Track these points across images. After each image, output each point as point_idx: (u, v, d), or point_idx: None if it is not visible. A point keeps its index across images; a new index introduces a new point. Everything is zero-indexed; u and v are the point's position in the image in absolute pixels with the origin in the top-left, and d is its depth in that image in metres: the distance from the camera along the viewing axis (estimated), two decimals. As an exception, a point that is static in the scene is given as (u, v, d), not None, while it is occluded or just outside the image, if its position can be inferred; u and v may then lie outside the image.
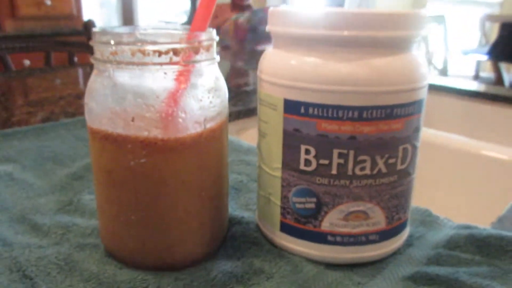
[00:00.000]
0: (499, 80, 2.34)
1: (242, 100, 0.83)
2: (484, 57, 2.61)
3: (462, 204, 0.63)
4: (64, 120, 0.61)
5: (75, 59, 1.37)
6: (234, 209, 0.39)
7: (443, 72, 2.93)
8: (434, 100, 0.98)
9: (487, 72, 3.15)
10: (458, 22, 3.42)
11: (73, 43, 1.34)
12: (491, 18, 3.08)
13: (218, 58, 0.31)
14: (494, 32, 2.90)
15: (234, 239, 0.34)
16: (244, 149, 0.54)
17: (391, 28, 0.28)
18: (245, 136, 0.76)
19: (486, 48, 2.51)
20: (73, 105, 0.74)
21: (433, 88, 0.97)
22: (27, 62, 1.84)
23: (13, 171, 0.45)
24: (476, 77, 2.83)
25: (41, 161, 0.48)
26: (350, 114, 0.28)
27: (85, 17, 2.11)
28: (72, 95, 0.82)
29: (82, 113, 0.70)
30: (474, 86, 1.00)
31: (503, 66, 2.40)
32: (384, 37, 0.28)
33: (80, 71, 1.09)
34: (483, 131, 0.90)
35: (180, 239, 0.30)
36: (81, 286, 0.28)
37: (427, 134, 0.73)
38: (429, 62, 3.03)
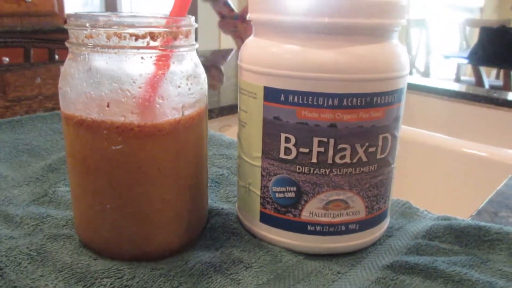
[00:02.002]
0: (479, 84, 2.39)
1: (225, 97, 0.83)
2: (465, 61, 2.66)
3: (443, 199, 0.64)
4: (41, 113, 0.59)
5: (56, 56, 1.34)
6: (214, 201, 0.39)
7: (425, 75, 2.98)
8: (417, 100, 0.99)
9: (468, 76, 3.21)
10: (440, 26, 3.48)
11: (54, 40, 1.32)
12: (471, 23, 3.15)
13: (197, 44, 0.30)
14: (474, 37, 2.96)
15: (213, 230, 0.34)
16: (226, 143, 0.53)
17: (372, 16, 0.28)
18: (228, 133, 0.76)
19: (467, 52, 2.55)
20: (52, 100, 0.73)
21: (416, 88, 0.98)
22: (6, 60, 1.80)
23: (-14, 163, 0.43)
24: (457, 80, 2.88)
25: (16, 153, 0.47)
26: (330, 102, 0.28)
27: (67, 14, 2.08)
28: (51, 91, 0.80)
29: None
30: (455, 86, 1.02)
31: (483, 70, 2.45)
32: (365, 25, 0.28)
33: (60, 68, 1.07)
34: (463, 130, 0.91)
35: (157, 228, 0.29)
36: (53, 277, 0.27)
37: (410, 132, 0.74)
38: (412, 65, 3.07)
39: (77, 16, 0.27)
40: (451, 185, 0.67)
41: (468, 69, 3.26)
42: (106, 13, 0.29)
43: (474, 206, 0.44)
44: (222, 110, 0.75)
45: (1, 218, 0.34)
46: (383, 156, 0.30)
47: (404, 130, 0.75)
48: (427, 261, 0.30)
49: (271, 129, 0.30)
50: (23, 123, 0.55)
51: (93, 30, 0.26)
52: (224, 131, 0.77)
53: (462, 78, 3.04)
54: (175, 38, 0.28)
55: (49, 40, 1.34)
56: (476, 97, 0.93)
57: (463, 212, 0.42)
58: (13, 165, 0.44)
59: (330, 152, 0.29)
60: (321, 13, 0.27)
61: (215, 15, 1.12)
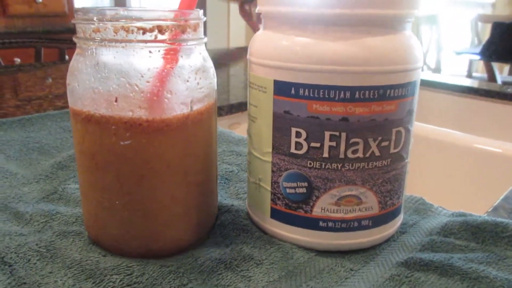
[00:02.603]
0: (492, 80, 2.35)
1: (234, 95, 0.83)
2: (477, 57, 2.62)
3: (457, 196, 0.63)
4: (51, 112, 0.60)
5: (66, 57, 1.35)
6: (224, 198, 0.38)
7: (436, 71, 2.94)
8: (429, 96, 0.98)
9: (480, 72, 3.17)
10: (451, 22, 3.44)
11: (64, 40, 1.33)
12: (483, 18, 3.10)
13: (205, 38, 0.30)
14: (486, 32, 2.91)
15: (223, 227, 0.33)
16: (235, 140, 0.53)
17: (384, 7, 0.27)
18: (238, 131, 0.75)
19: (479, 48, 2.52)
20: (62, 99, 0.73)
21: (428, 84, 0.97)
22: (17, 60, 1.82)
23: (-4, 161, 0.43)
24: (469, 76, 2.84)
25: (26, 151, 0.47)
26: (342, 95, 0.27)
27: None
28: (61, 90, 0.81)
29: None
30: (467, 82, 1.00)
31: (496, 66, 2.41)
32: (376, 16, 0.27)
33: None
34: (476, 126, 0.89)
35: (166, 224, 0.29)
36: (62, 273, 0.27)
37: (423, 128, 0.73)
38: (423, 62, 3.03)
39: (84, 10, 0.27)
40: (465, 181, 0.65)
41: (480, 65, 3.21)
42: (113, 7, 0.28)
43: (489, 203, 0.43)
44: (231, 107, 0.75)
45: (11, 215, 0.34)
46: (396, 150, 0.30)
47: (417, 127, 0.73)
48: (443, 258, 0.30)
49: (282, 124, 0.29)
50: (33, 122, 0.55)
51: (101, 24, 0.26)
52: (234, 128, 0.76)
53: (474, 74, 3.00)
54: (183, 32, 0.27)
55: (59, 40, 1.34)
56: (489, 92, 0.91)
57: (478, 209, 0.41)
58: (23, 163, 0.44)
59: (342, 147, 0.28)
60: (332, 4, 0.27)
61: (224, 14, 1.12)
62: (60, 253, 0.29)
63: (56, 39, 1.34)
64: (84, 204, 0.31)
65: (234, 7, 2.38)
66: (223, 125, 0.73)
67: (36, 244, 0.30)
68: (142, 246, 0.29)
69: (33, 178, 0.41)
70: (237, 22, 2.39)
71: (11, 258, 0.28)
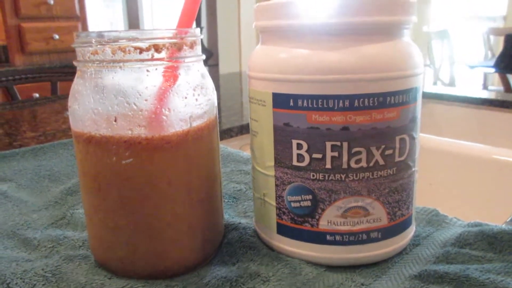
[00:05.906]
0: (508, 92, 2.32)
1: (245, 116, 0.83)
2: (491, 70, 2.59)
3: (476, 208, 0.61)
4: (62, 140, 0.61)
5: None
6: (232, 216, 0.38)
7: (451, 86, 2.91)
8: (445, 109, 0.97)
9: (496, 86, 3.12)
10: (463, 36, 3.42)
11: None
12: (495, 31, 3.08)
13: (203, 56, 0.30)
14: (499, 45, 2.89)
15: (230, 245, 0.33)
16: (244, 159, 0.52)
17: (379, 14, 0.27)
18: (249, 152, 0.75)
19: (493, 61, 2.49)
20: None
21: (443, 97, 0.96)
22: (36, 95, 1.87)
23: (7, 189, 0.44)
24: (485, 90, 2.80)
25: (37, 179, 0.47)
26: (341, 104, 0.27)
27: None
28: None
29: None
30: (482, 94, 0.99)
31: (511, 77, 2.38)
32: (372, 23, 0.27)
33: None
34: (493, 137, 0.87)
35: (170, 243, 0.28)
36: (66, 297, 0.27)
37: (439, 141, 0.71)
38: (436, 77, 3.01)
39: (83, 34, 0.27)
40: (484, 193, 0.63)
41: (495, 78, 3.17)
42: (111, 30, 0.29)
43: (507, 214, 0.41)
44: (241, 128, 0.75)
45: (19, 242, 0.34)
46: (401, 158, 0.29)
47: (434, 140, 0.72)
48: (458, 269, 0.28)
49: (282, 136, 0.29)
50: (45, 150, 0.56)
51: (98, 46, 0.26)
52: (245, 150, 0.76)
53: (490, 87, 2.96)
54: (179, 50, 0.28)
55: (74, 73, 1.38)
56: (504, 103, 0.90)
57: (498, 220, 0.40)
58: (34, 190, 0.45)
59: (344, 157, 0.28)
60: (326, 14, 0.27)
61: (235, 38, 1.14)
62: (65, 277, 0.29)
63: (72, 72, 1.38)
64: (89, 227, 0.31)
65: (245, 31, 2.42)
66: (234, 147, 0.73)
67: (42, 269, 0.30)
68: (148, 267, 0.29)
69: (42, 204, 0.41)
70: (249, 46, 2.42)
71: (16, 283, 0.28)
